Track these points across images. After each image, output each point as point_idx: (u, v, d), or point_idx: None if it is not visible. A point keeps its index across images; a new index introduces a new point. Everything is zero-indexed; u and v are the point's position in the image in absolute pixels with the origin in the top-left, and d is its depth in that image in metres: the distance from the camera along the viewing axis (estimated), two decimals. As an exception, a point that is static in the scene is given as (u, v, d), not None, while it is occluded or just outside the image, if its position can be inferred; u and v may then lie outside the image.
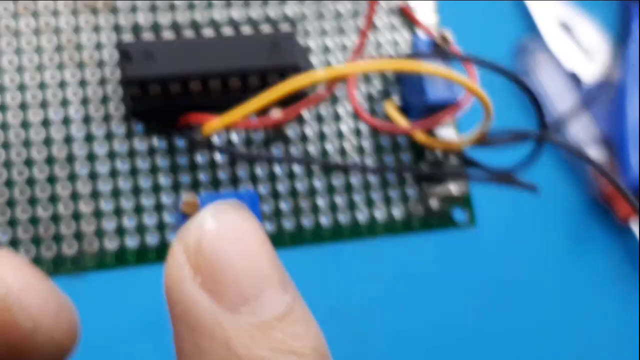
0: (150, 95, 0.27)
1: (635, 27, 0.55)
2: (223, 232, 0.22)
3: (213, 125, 0.27)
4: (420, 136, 0.29)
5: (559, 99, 0.55)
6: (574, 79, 0.56)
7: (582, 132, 0.55)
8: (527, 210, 0.54)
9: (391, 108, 0.29)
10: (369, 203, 0.29)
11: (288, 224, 0.29)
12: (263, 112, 0.27)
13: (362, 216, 0.29)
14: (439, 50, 0.28)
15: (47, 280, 0.24)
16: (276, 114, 0.28)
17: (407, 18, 0.30)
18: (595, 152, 0.55)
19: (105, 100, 0.28)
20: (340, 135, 0.29)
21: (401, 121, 0.29)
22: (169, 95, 0.27)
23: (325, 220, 0.29)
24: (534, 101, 0.27)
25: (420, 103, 0.28)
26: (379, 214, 0.29)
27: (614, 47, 0.56)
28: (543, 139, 0.28)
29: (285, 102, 0.27)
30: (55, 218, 0.27)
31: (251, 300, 0.21)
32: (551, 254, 0.52)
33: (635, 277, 0.52)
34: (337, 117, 0.30)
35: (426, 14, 0.31)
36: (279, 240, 0.28)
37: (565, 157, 0.55)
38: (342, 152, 0.29)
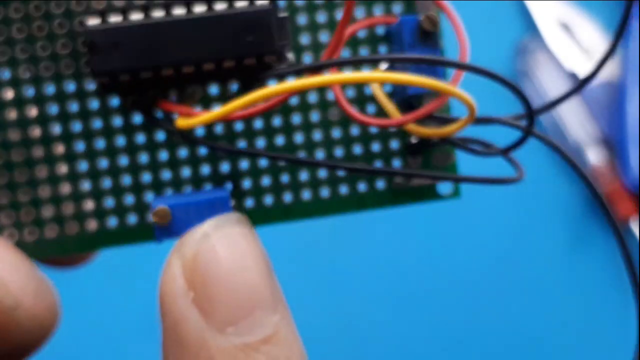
0: (121, 83, 0.26)
1: (636, 26, 0.55)
2: (219, 248, 0.22)
3: (189, 122, 0.26)
4: (411, 126, 0.28)
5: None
6: (574, 79, 0.56)
7: (582, 132, 0.55)
8: (528, 208, 0.54)
9: (379, 91, 0.28)
10: (352, 176, 0.29)
11: (269, 200, 0.28)
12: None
13: (345, 190, 0.29)
14: (424, 37, 0.27)
15: (28, 260, 0.25)
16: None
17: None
18: (595, 152, 0.55)
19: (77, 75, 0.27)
20: (326, 125, 0.29)
21: (392, 109, 0.28)
22: (140, 83, 0.26)
23: (307, 195, 0.28)
24: (525, 103, 0.26)
25: (403, 92, 0.28)
26: (363, 187, 0.29)
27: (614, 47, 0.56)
28: (530, 132, 0.27)
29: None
30: (35, 202, 0.27)
31: (239, 320, 0.21)
32: (551, 253, 0.52)
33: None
34: (324, 106, 0.29)
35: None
36: (260, 217, 0.28)
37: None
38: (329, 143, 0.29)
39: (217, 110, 0.25)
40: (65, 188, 0.27)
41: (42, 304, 0.24)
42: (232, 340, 0.21)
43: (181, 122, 0.26)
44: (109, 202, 0.27)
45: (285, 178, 0.28)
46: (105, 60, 0.26)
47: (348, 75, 0.25)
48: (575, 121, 0.55)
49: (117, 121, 0.27)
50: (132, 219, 0.27)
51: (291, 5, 0.28)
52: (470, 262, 0.52)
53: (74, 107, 0.27)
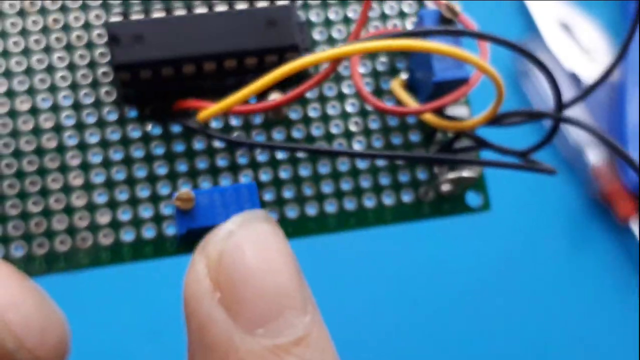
0: (141, 80, 0.26)
1: (636, 27, 0.55)
2: (246, 246, 0.21)
3: (209, 111, 0.25)
4: (430, 117, 0.27)
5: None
6: (574, 79, 0.55)
7: (582, 132, 0.55)
8: (527, 208, 0.53)
9: (398, 87, 0.28)
10: (377, 189, 0.28)
11: (291, 213, 0.27)
12: (262, 95, 0.26)
13: (369, 203, 0.28)
14: (446, 24, 0.27)
15: (36, 291, 0.23)
16: (276, 96, 0.26)
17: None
18: (595, 152, 0.54)
19: (95, 84, 0.26)
20: (345, 116, 0.28)
21: (409, 102, 0.27)
22: (161, 80, 0.26)
23: (330, 208, 0.27)
24: (551, 79, 0.26)
25: (427, 80, 0.27)
26: (388, 200, 0.28)
27: (616, 47, 0.56)
28: (560, 118, 0.26)
29: (285, 83, 0.26)
30: (47, 213, 0.26)
31: (269, 321, 0.20)
32: (551, 253, 0.52)
33: (635, 277, 0.52)
34: (341, 97, 0.28)
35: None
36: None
37: (565, 157, 0.54)
38: (348, 134, 0.28)
39: (235, 96, 0.25)
40: (80, 200, 0.26)
41: (47, 341, 0.22)
42: (262, 342, 0.20)
43: (202, 114, 0.25)
44: (125, 214, 0.26)
45: (307, 190, 0.27)
46: (127, 52, 0.25)
47: (368, 44, 0.24)
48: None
49: (135, 132, 0.27)
50: (149, 231, 0.26)
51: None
52: (470, 262, 0.51)
53: (90, 118, 0.26)
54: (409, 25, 0.29)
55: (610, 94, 0.55)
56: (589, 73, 0.55)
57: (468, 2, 0.30)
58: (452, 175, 0.27)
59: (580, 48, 0.56)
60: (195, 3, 0.27)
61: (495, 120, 0.27)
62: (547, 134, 0.27)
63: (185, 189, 0.24)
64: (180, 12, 0.26)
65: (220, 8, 0.26)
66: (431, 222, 0.28)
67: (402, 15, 0.29)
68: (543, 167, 0.27)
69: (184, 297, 0.21)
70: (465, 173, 0.27)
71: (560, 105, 0.26)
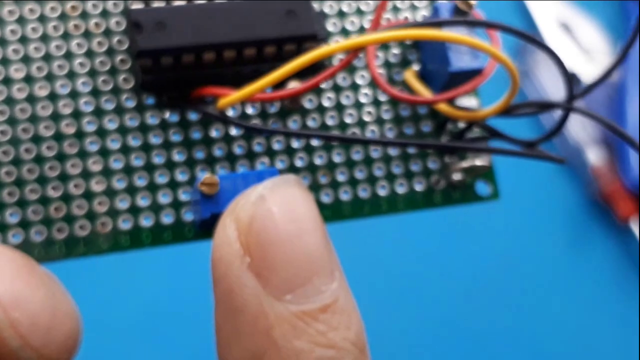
0: (161, 67, 0.26)
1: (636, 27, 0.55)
2: (276, 211, 0.21)
3: (229, 99, 0.26)
4: (442, 107, 0.28)
5: (558, 99, 0.55)
6: (574, 79, 0.56)
7: (582, 132, 0.55)
8: (528, 208, 0.54)
9: (412, 77, 0.28)
10: (390, 177, 0.28)
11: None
12: (279, 84, 0.26)
13: (383, 191, 0.28)
14: (460, 16, 0.27)
15: (46, 283, 0.22)
16: (294, 85, 0.26)
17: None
18: (595, 152, 0.54)
19: (113, 71, 0.27)
20: (358, 105, 0.28)
21: (424, 91, 0.28)
22: (181, 67, 0.26)
23: (344, 196, 0.28)
24: (562, 69, 0.26)
25: (442, 71, 0.27)
26: (401, 189, 0.28)
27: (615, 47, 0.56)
28: (571, 108, 0.27)
29: (302, 73, 0.26)
30: (66, 198, 0.26)
31: (298, 287, 0.20)
32: (551, 253, 0.52)
33: (635, 277, 0.52)
34: (355, 87, 0.28)
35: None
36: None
37: (565, 156, 0.55)
38: (361, 123, 0.28)
39: (255, 84, 0.25)
40: (99, 185, 0.26)
41: (54, 339, 0.21)
42: (290, 308, 0.20)
43: (222, 102, 0.26)
44: (144, 200, 0.26)
45: (322, 178, 0.28)
46: (150, 38, 0.25)
47: (387, 33, 0.25)
48: (575, 121, 0.55)
49: (153, 120, 0.27)
50: (168, 217, 0.26)
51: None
52: (470, 262, 0.51)
53: (109, 104, 0.27)
54: (420, 18, 0.29)
55: (610, 94, 0.56)
56: (589, 73, 0.56)
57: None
58: (464, 164, 0.28)
59: (580, 48, 0.57)
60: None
61: (507, 111, 0.27)
62: (557, 124, 0.27)
63: (209, 174, 0.24)
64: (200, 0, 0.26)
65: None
66: (440, 211, 0.29)
67: (413, 8, 0.29)
68: (552, 157, 0.27)
69: (212, 259, 0.21)
70: (478, 162, 0.28)
71: (572, 94, 0.27)
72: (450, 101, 0.28)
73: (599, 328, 0.50)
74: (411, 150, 0.28)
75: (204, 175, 0.24)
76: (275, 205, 0.21)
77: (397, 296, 0.50)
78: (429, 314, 0.50)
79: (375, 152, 0.28)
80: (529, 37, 0.26)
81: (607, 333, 0.50)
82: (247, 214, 0.21)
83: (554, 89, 0.56)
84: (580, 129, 0.55)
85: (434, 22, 0.27)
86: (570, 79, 0.27)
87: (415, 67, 0.29)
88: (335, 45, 0.25)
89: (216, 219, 0.24)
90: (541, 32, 0.57)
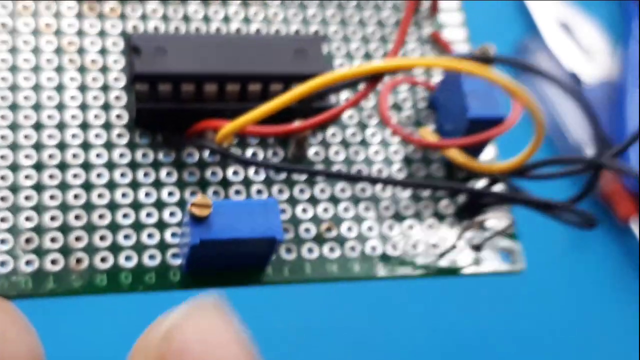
0: (159, 96, 0.24)
1: (636, 26, 0.55)
2: (195, 336, 0.19)
3: (229, 128, 0.24)
4: (455, 155, 0.25)
5: (558, 99, 0.54)
6: (574, 79, 0.55)
7: (582, 132, 0.54)
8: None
9: (427, 134, 0.26)
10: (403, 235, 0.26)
11: (308, 254, 0.25)
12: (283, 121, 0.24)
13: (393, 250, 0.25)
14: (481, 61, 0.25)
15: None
16: (297, 124, 0.25)
17: (439, 44, 0.28)
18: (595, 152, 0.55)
19: (106, 106, 0.25)
20: (368, 162, 0.26)
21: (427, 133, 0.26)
22: (180, 97, 0.24)
23: (352, 253, 0.25)
24: (593, 121, 0.25)
25: (460, 121, 0.25)
26: (412, 250, 0.26)
27: (615, 47, 0.56)
28: (601, 166, 0.25)
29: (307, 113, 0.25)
30: (39, 230, 0.23)
31: None
32: (551, 253, 0.50)
33: (635, 277, 0.51)
34: (362, 126, 0.27)
35: (454, 30, 0.29)
36: (298, 273, 0.25)
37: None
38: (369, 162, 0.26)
39: (251, 113, 0.23)
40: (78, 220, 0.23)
41: None
42: None
43: (220, 134, 0.24)
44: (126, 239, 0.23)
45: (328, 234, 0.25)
46: (148, 62, 0.24)
47: (412, 59, 0.23)
48: (575, 121, 0.53)
49: (146, 158, 0.25)
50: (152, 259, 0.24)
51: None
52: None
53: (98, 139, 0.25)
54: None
55: (610, 94, 0.55)
56: (589, 73, 0.55)
57: (468, 2, 0.30)
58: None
59: (580, 48, 0.56)
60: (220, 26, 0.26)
61: (524, 169, 0.25)
62: (587, 184, 0.25)
63: (202, 195, 0.22)
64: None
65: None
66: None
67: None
68: (581, 223, 0.25)
69: None
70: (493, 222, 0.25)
71: (602, 149, 0.25)
72: (469, 153, 0.26)
73: (599, 328, 0.49)
74: (426, 214, 0.26)
75: (200, 196, 0.22)
76: (195, 330, 0.19)
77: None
78: (428, 312, 0.48)
79: (386, 211, 0.26)
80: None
81: (607, 333, 0.49)
82: (165, 337, 0.19)
83: (554, 89, 0.54)
84: (580, 129, 0.53)
85: (480, 58, 0.25)
86: (602, 135, 0.25)
87: (430, 127, 0.27)
88: (353, 69, 0.23)
89: (206, 249, 0.21)
90: (541, 32, 0.56)
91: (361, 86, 0.25)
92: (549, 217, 0.25)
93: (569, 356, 0.48)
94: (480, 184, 0.27)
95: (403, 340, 0.47)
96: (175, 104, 0.24)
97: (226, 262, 0.23)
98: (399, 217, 0.26)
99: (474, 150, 0.26)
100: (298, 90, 0.23)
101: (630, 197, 0.51)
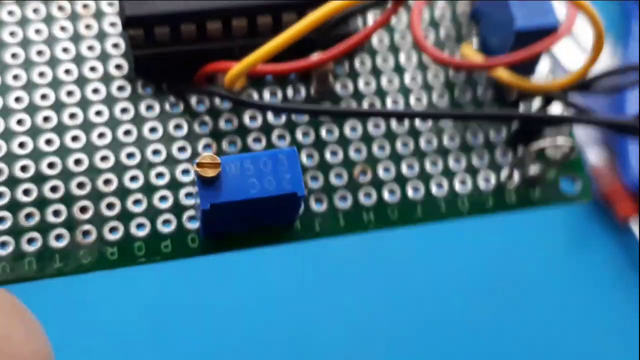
0: (156, 39, 0.21)
1: (636, 26, 0.54)
2: None
3: (237, 69, 0.21)
4: (504, 75, 0.22)
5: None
6: None
7: (582, 132, 0.53)
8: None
9: (470, 51, 0.23)
10: (447, 172, 0.23)
11: (342, 204, 0.22)
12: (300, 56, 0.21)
13: (438, 189, 0.23)
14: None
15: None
16: (316, 57, 0.21)
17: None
18: (595, 152, 0.53)
19: (103, 57, 0.22)
20: (404, 90, 0.23)
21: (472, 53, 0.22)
22: (180, 39, 0.21)
23: (389, 197, 0.22)
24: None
25: (506, 35, 0.22)
26: (461, 188, 0.23)
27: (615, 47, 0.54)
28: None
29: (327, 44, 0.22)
30: (39, 203, 0.21)
31: None
32: (551, 253, 0.50)
33: (635, 277, 0.50)
34: (399, 69, 0.23)
35: None
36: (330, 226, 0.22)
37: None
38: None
39: (261, 50, 0.20)
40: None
41: None
42: None
43: (228, 77, 0.21)
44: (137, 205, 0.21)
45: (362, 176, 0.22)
46: (139, 3, 0.21)
47: None
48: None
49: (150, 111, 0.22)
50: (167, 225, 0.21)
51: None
52: (469, 262, 0.49)
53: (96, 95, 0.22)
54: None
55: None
56: (589, 73, 0.53)
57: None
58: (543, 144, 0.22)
59: (580, 48, 0.53)
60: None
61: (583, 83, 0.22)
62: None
63: (208, 153, 0.19)
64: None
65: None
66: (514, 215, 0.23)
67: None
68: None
69: None
70: (559, 141, 0.22)
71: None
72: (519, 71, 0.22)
73: (599, 328, 0.49)
74: (474, 142, 0.23)
75: (206, 153, 0.19)
76: None
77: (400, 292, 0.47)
78: (427, 312, 0.48)
79: (425, 145, 0.23)
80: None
81: (607, 333, 0.48)
82: None
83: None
84: (580, 129, 0.51)
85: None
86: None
87: (473, 43, 0.24)
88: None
89: (219, 213, 0.19)
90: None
91: (390, 4, 0.22)
92: (624, 137, 0.22)
93: (569, 356, 0.48)
94: (535, 105, 0.23)
95: (451, 284, 0.48)
96: (176, 47, 0.21)
97: (247, 223, 0.21)
98: (442, 152, 0.23)
99: (525, 67, 0.23)
100: (313, 17, 0.20)
101: (630, 197, 0.51)
